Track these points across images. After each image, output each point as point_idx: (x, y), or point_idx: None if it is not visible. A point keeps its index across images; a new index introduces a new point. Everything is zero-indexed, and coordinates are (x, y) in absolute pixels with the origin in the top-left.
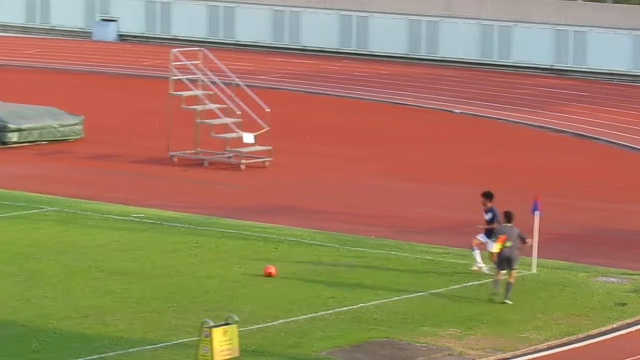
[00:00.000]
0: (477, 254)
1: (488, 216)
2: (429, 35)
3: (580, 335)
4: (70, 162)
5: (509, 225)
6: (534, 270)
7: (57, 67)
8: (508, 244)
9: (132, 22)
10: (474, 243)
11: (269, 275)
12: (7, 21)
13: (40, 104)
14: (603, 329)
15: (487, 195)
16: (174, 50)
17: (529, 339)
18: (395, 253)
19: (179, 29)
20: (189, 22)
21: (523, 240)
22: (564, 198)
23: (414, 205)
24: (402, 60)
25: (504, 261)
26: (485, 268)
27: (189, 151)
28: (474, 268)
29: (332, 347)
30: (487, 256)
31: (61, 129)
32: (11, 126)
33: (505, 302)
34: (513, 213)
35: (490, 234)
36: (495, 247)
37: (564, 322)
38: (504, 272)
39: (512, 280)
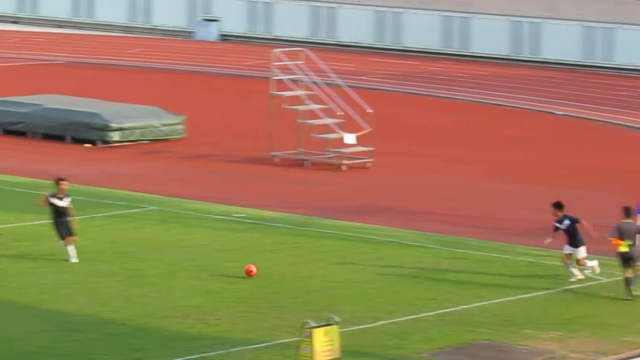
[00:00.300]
0: (572, 269)
1: (564, 225)
2: (531, 37)
3: None
4: (171, 161)
5: (628, 221)
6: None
7: (159, 67)
8: (629, 242)
9: (234, 22)
10: (566, 260)
11: (250, 274)
12: (110, 21)
13: (142, 103)
14: None
15: (558, 206)
16: (276, 50)
17: (632, 343)
18: (497, 255)
19: (281, 29)
20: (290, 22)
21: None
22: None
23: (516, 207)
24: (504, 61)
25: (627, 259)
26: (587, 271)
27: (290, 151)
28: (574, 279)
29: (433, 349)
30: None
31: (163, 128)
32: (113, 125)
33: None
34: (632, 208)
35: (573, 241)
36: (621, 247)
37: None
38: (629, 269)
39: (631, 275)
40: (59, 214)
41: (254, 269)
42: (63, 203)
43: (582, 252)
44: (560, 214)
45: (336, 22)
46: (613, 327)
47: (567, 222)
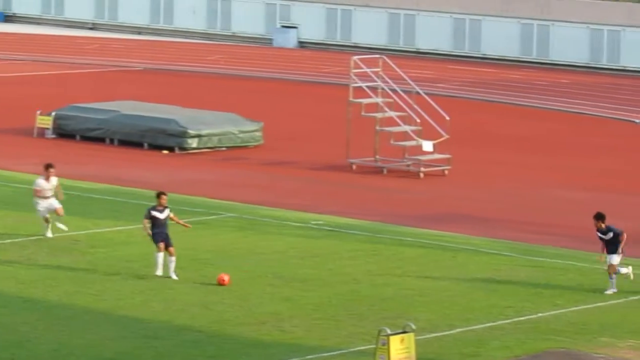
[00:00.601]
0: (623, 271)
1: (609, 236)
2: (610, 44)
3: None
4: (249, 168)
5: None
6: None
7: (238, 74)
8: None
9: (313, 29)
10: (611, 270)
11: (222, 282)
12: (189, 27)
13: (220, 110)
14: None
15: (600, 217)
16: (354, 57)
17: None
18: (573, 263)
19: (360, 36)
20: (369, 30)
21: None
22: None
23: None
24: (583, 69)
25: None
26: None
27: (368, 158)
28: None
29: (509, 356)
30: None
31: (240, 135)
32: (191, 132)
33: None
34: None
35: (614, 250)
36: None
37: None
38: None
39: None
40: (159, 226)
41: (226, 278)
42: (162, 215)
43: (615, 259)
44: (603, 225)
45: (415, 29)
46: None
47: (610, 234)
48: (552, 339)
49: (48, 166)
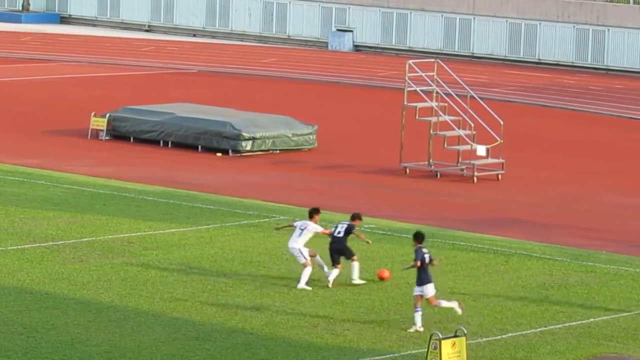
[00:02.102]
0: None
1: None
2: None
3: None
4: (303, 171)
5: None
6: None
7: (292, 77)
8: None
9: (368, 33)
10: None
11: (382, 277)
12: (245, 30)
13: (275, 113)
14: None
15: None
16: (410, 61)
17: None
18: (626, 268)
19: (415, 40)
20: (424, 34)
21: None
22: None
23: None
24: (638, 75)
25: None
26: None
27: (421, 162)
28: None
29: None
30: None
31: (295, 138)
32: (245, 135)
33: None
34: None
35: None
36: None
37: None
38: None
39: None
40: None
41: (387, 273)
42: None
43: None
44: None
45: (470, 33)
46: None
47: None
48: (603, 344)
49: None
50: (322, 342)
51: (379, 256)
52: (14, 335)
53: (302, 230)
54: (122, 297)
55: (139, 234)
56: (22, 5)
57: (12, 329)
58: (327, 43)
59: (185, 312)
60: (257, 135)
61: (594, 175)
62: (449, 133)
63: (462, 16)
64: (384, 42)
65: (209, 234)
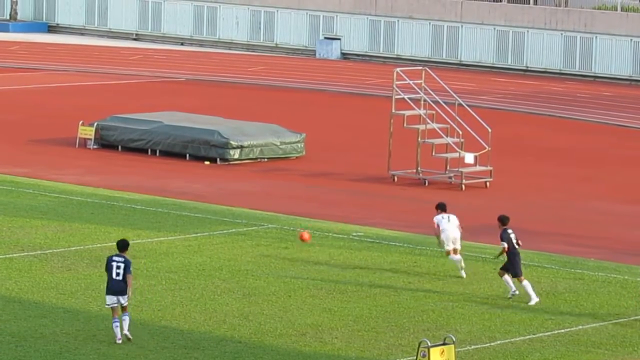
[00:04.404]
0: None
1: None
2: None
3: None
4: (290, 179)
5: None
6: None
7: (280, 85)
8: None
9: (356, 41)
10: None
11: (303, 239)
12: (232, 38)
13: (263, 121)
14: None
15: None
16: (397, 69)
17: None
18: (614, 275)
19: (403, 48)
20: (412, 41)
21: None
22: None
23: (635, 228)
24: (626, 82)
25: None
26: None
27: (410, 170)
28: None
29: None
30: None
31: (282, 146)
32: (233, 143)
33: None
34: None
35: None
36: None
37: None
38: None
39: None
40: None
41: (306, 235)
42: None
43: None
44: None
45: (458, 41)
46: None
47: None
48: (592, 351)
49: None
50: (310, 350)
51: (367, 264)
52: (2, 344)
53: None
54: None
55: None
56: (10, 14)
57: (0, 338)
58: (314, 51)
59: (173, 321)
60: (245, 143)
61: (582, 182)
62: (437, 141)
63: (450, 24)
64: (372, 50)
65: (197, 242)
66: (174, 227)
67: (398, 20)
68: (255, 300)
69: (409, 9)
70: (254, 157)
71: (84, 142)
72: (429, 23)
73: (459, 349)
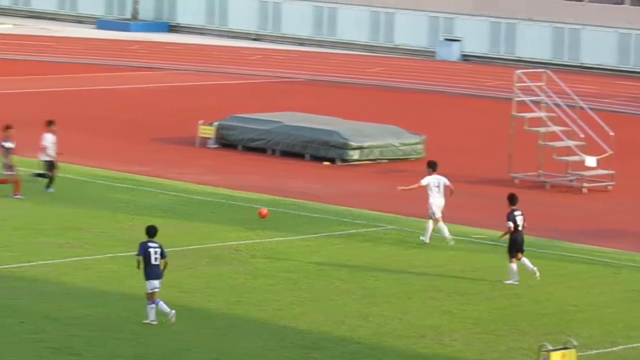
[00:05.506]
0: None
1: None
2: None
3: None
4: (410, 180)
5: None
6: None
7: (400, 86)
8: None
9: (476, 42)
10: None
11: (261, 215)
12: (352, 39)
13: (382, 122)
14: None
15: None
16: (518, 71)
17: None
18: None
19: (524, 50)
20: (533, 44)
21: None
22: None
23: None
24: None
25: None
26: None
27: (530, 173)
28: None
29: None
30: None
31: (402, 147)
32: (353, 144)
33: None
34: None
35: None
36: None
37: None
38: None
39: None
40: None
41: (264, 211)
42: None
43: None
44: None
45: (579, 43)
46: None
47: None
48: None
49: None
50: (429, 352)
51: (486, 266)
52: (123, 341)
53: (437, 187)
54: (230, 304)
55: (246, 242)
56: (132, 14)
57: (121, 335)
58: (434, 52)
59: (292, 321)
60: (365, 144)
61: None
62: (558, 144)
63: (571, 26)
64: (492, 52)
65: (316, 243)
66: (293, 227)
67: (518, 22)
68: (374, 301)
69: (530, 11)
70: (374, 158)
71: (204, 142)
72: (550, 25)
73: (580, 354)
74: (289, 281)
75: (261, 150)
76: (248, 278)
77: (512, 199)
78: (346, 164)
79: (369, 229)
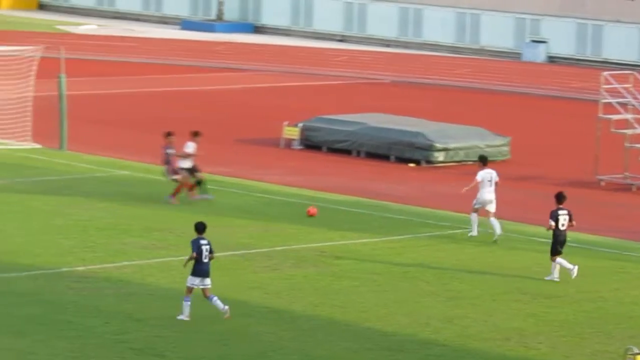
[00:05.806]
0: None
1: None
2: None
3: None
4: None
5: None
6: None
7: (485, 88)
8: None
9: (563, 44)
10: None
11: (310, 213)
12: (437, 40)
13: (467, 123)
14: None
15: None
16: (605, 73)
17: None
18: None
19: (610, 52)
20: (620, 45)
21: None
22: None
23: None
24: None
25: None
26: None
27: (617, 175)
28: None
29: None
30: None
31: (487, 149)
32: (438, 145)
33: None
34: None
35: None
36: None
37: None
38: None
39: None
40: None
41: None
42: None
43: None
44: None
45: None
46: None
47: None
48: None
49: None
50: (515, 354)
51: None
52: (208, 342)
53: (490, 181)
54: (314, 306)
55: (330, 243)
56: (217, 15)
57: (206, 336)
58: (520, 54)
59: (377, 322)
60: (450, 146)
61: None
62: None
63: None
64: (579, 54)
65: (401, 245)
66: (378, 228)
67: (606, 24)
68: (459, 304)
69: (617, 12)
70: (459, 160)
71: (288, 143)
72: (638, 27)
73: None
74: (373, 283)
75: (346, 152)
76: (332, 280)
77: (559, 198)
78: (431, 165)
79: (455, 231)
